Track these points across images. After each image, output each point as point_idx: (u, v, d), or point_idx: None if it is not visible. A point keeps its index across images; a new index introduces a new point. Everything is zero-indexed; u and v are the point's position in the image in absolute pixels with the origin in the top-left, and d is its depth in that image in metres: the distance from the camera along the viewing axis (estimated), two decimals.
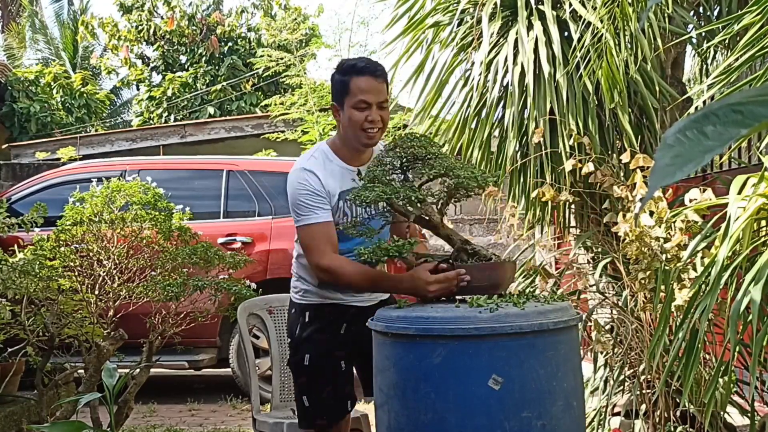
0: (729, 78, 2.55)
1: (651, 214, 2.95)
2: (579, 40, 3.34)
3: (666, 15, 3.44)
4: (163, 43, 16.18)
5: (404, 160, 2.33)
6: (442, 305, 2.09)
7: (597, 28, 3.19)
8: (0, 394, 3.58)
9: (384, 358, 2.12)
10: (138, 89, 17.30)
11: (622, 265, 3.12)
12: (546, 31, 3.54)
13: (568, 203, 3.46)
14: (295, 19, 14.15)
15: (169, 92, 15.33)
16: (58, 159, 9.51)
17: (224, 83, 15.13)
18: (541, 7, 3.63)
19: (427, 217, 2.27)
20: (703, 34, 3.71)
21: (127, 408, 3.47)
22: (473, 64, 3.82)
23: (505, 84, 3.74)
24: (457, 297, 2.18)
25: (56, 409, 3.33)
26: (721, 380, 2.62)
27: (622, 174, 3.35)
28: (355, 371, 2.72)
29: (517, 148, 3.71)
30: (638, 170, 3.07)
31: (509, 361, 1.96)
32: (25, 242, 4.17)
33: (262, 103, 13.29)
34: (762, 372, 2.70)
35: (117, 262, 3.67)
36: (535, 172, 3.53)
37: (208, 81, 15.46)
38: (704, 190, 2.86)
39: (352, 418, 2.98)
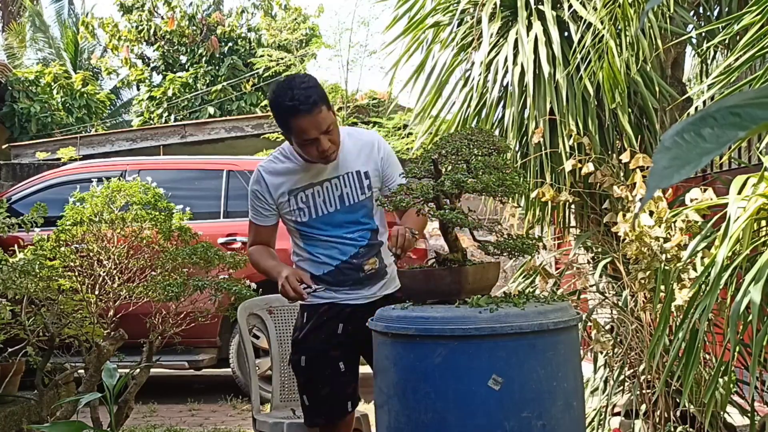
0: (729, 78, 2.55)
1: (651, 214, 2.95)
2: (579, 40, 3.34)
3: (666, 15, 3.44)
4: (163, 43, 16.17)
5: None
6: (443, 305, 2.09)
7: (597, 28, 3.19)
8: (0, 394, 3.58)
9: (384, 358, 2.12)
10: (138, 89, 17.29)
11: (622, 265, 3.12)
12: (546, 32, 3.54)
13: (568, 203, 3.46)
14: (295, 19, 14.16)
15: (170, 92, 15.32)
16: (58, 159, 9.51)
17: (224, 83, 15.11)
18: (541, 7, 3.63)
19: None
20: (703, 34, 3.71)
21: (127, 408, 3.47)
22: (473, 64, 3.82)
23: (505, 84, 3.74)
24: (457, 297, 2.17)
25: (56, 409, 3.33)
26: (721, 380, 2.62)
27: (622, 174, 3.35)
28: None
29: (516, 148, 3.72)
30: (638, 170, 3.07)
31: (509, 361, 1.96)
32: (25, 242, 4.17)
33: (262, 103, 13.29)
34: (762, 372, 2.70)
35: (117, 262, 3.67)
36: (535, 172, 3.53)
37: (208, 81, 15.45)
38: (704, 190, 2.86)
39: None
